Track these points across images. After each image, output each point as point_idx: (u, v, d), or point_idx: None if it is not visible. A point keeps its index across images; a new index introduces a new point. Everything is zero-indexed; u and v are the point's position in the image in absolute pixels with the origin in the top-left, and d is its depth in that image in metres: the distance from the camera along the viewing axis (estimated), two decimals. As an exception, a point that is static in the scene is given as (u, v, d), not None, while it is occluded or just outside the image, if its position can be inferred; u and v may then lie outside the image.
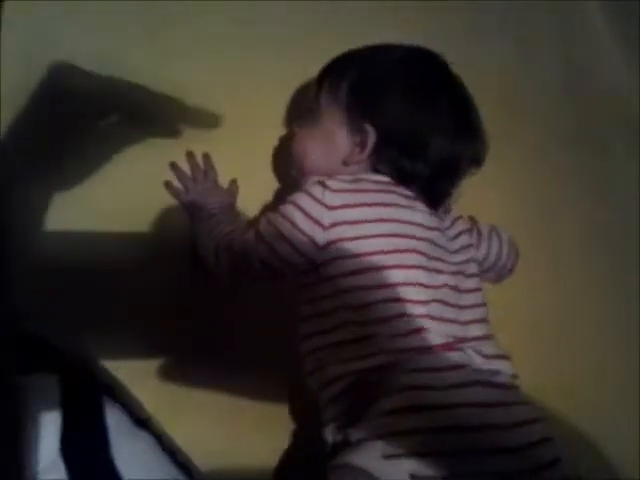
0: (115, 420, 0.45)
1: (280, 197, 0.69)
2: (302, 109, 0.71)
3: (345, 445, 0.50)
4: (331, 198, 0.54)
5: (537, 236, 0.80)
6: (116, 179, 0.63)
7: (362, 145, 0.57)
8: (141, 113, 0.65)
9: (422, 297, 0.53)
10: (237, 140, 0.69)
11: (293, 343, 0.60)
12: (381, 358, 0.51)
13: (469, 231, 0.63)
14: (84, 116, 0.63)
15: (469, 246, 0.61)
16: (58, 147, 0.62)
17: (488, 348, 0.55)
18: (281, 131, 0.72)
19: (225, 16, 0.72)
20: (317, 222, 0.54)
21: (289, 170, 0.65)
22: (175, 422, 0.56)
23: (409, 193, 0.57)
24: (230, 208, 0.66)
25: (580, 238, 0.82)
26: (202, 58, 0.69)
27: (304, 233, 0.54)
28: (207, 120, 0.68)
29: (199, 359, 0.62)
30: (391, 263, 0.53)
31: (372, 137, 0.57)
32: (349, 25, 0.75)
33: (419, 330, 0.52)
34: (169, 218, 0.65)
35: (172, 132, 0.66)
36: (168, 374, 0.60)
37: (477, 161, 0.60)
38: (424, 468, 0.46)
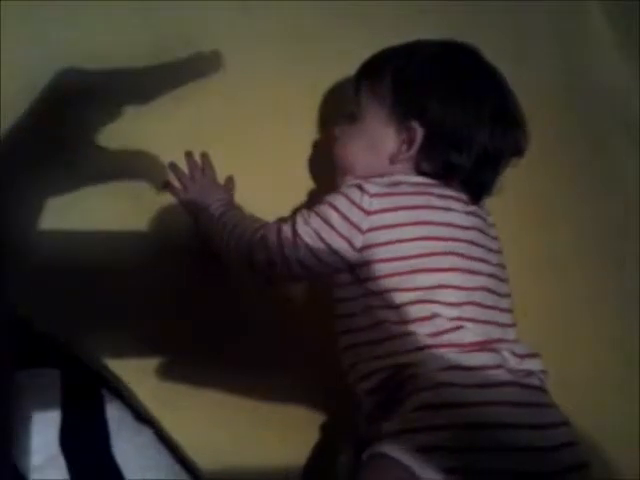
0: (116, 415, 0.45)
1: (288, 199, 0.69)
2: (307, 108, 0.71)
3: (377, 439, 0.50)
4: (369, 202, 0.54)
5: (536, 236, 0.80)
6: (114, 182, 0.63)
7: (410, 142, 0.58)
8: (142, 113, 0.65)
9: (455, 299, 0.53)
10: (239, 141, 0.69)
11: (293, 343, 0.60)
12: (413, 356, 0.52)
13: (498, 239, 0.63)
14: (84, 116, 0.63)
15: (500, 252, 0.62)
16: (57, 147, 0.62)
17: (522, 349, 0.55)
18: (287, 132, 0.72)
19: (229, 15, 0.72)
20: (355, 226, 0.54)
21: (294, 171, 0.65)
22: (174, 421, 0.56)
23: (446, 193, 0.57)
24: (233, 204, 0.66)
25: (579, 238, 0.83)
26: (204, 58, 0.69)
27: (342, 235, 0.54)
28: (209, 120, 0.68)
29: (198, 358, 0.62)
30: (427, 266, 0.54)
31: (420, 133, 0.57)
32: (351, 26, 0.75)
33: (451, 330, 0.52)
34: (169, 218, 0.65)
35: (173, 134, 0.66)
36: (167, 373, 0.60)
37: (519, 151, 0.61)
38: (456, 463, 0.47)
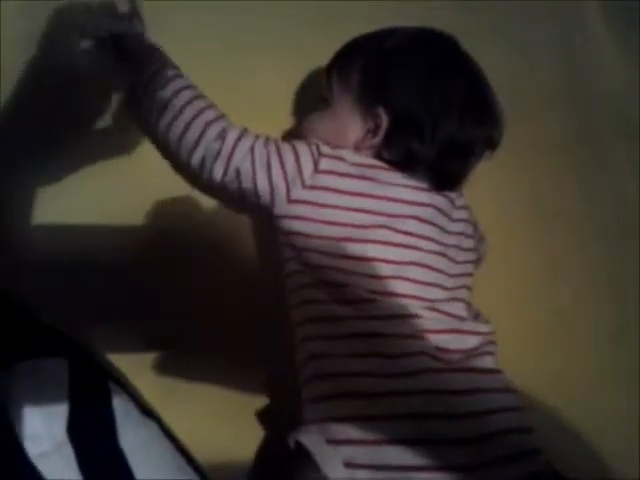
0: (122, 407, 0.46)
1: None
2: (303, 103, 0.71)
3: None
4: (321, 161, 0.55)
5: (536, 236, 0.81)
6: (114, 174, 0.63)
7: (375, 130, 0.58)
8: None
9: (378, 272, 0.53)
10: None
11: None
12: (329, 341, 0.52)
13: (470, 223, 0.64)
14: (83, 108, 0.63)
15: (468, 235, 0.62)
16: (56, 140, 0.62)
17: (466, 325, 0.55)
18: (280, 126, 0.72)
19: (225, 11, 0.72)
20: (300, 176, 0.55)
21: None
22: (172, 416, 0.56)
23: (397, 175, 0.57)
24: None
25: (579, 238, 0.83)
26: (200, 54, 0.69)
27: (285, 175, 0.54)
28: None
29: (198, 354, 0.62)
30: (352, 236, 0.54)
31: (385, 121, 0.57)
32: (349, 24, 0.75)
33: (375, 308, 0.52)
34: (169, 212, 0.65)
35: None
36: (165, 368, 0.61)
37: (491, 144, 0.60)
38: (362, 456, 0.46)
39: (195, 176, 0.57)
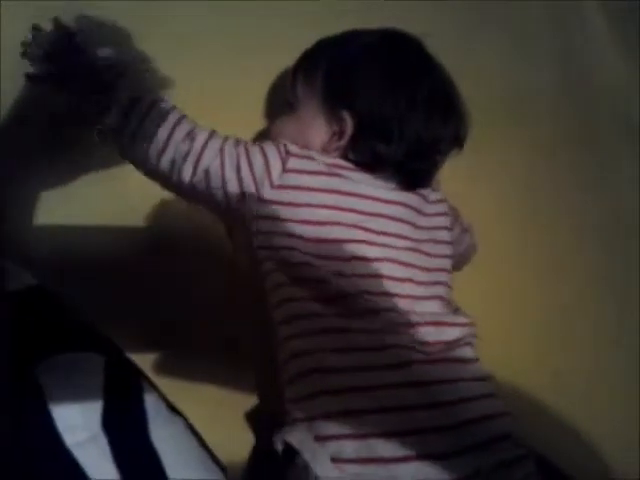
0: (152, 403, 0.47)
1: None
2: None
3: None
4: (289, 161, 0.55)
5: (536, 235, 0.81)
6: (115, 175, 0.63)
7: (340, 133, 0.58)
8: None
9: (361, 270, 0.53)
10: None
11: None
12: (310, 339, 0.52)
13: (448, 215, 0.64)
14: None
15: (444, 228, 0.62)
16: (59, 145, 0.62)
17: (438, 317, 0.55)
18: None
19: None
20: (269, 176, 0.55)
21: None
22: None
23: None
24: None
25: (579, 238, 0.83)
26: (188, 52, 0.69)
27: (254, 176, 0.54)
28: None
29: (197, 355, 0.63)
30: (327, 237, 0.54)
31: (349, 124, 0.57)
32: (345, 23, 0.75)
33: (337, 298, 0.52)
34: (169, 213, 0.65)
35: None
36: (165, 369, 0.61)
37: (458, 142, 0.61)
38: (349, 450, 0.46)
39: (165, 179, 0.56)
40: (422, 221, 0.59)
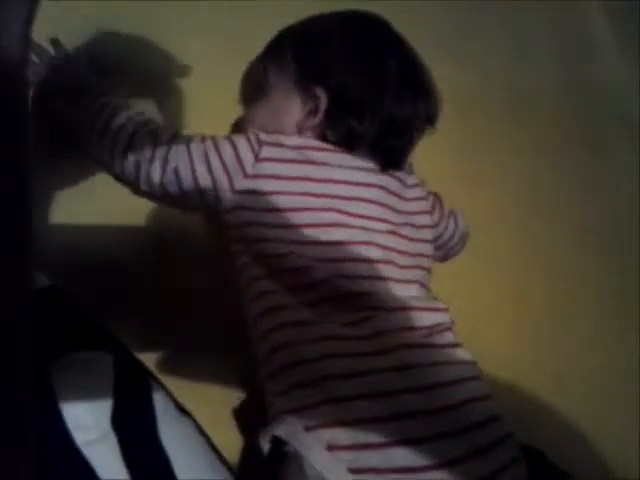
0: (161, 403, 0.47)
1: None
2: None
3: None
4: (260, 150, 0.54)
5: (536, 235, 0.81)
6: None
7: (315, 110, 0.57)
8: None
9: (339, 254, 0.53)
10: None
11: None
12: (290, 331, 0.51)
13: (427, 199, 0.63)
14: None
15: (423, 212, 0.61)
16: (60, 145, 0.62)
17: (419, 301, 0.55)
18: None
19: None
20: (242, 166, 0.54)
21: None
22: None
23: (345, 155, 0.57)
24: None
25: (579, 237, 0.83)
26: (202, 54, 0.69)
27: (226, 168, 0.54)
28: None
29: (198, 355, 0.63)
30: (303, 222, 0.53)
31: (324, 101, 0.57)
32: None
33: (324, 295, 0.51)
34: (169, 212, 0.65)
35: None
36: (166, 368, 0.61)
37: (430, 119, 0.61)
38: (342, 437, 0.46)
39: (132, 183, 0.56)
40: (402, 205, 0.59)
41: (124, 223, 0.63)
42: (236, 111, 0.70)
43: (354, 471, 0.45)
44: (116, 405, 0.44)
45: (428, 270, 0.59)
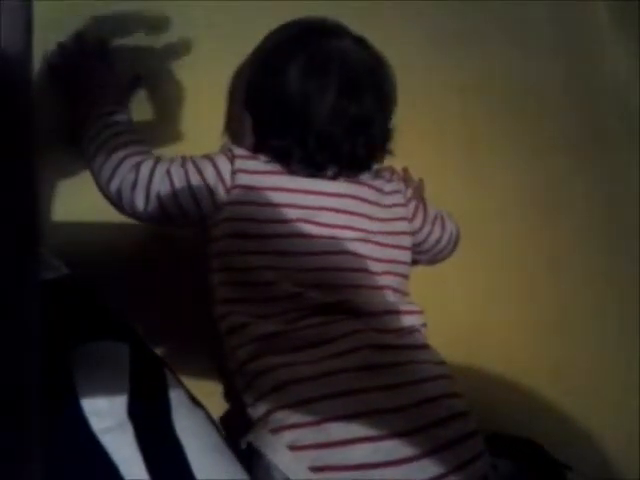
0: (175, 393, 0.48)
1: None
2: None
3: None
4: (235, 162, 0.56)
5: (537, 234, 0.81)
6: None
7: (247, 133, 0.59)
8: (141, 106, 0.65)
9: (295, 264, 0.54)
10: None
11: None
12: (257, 345, 0.52)
13: (406, 206, 0.63)
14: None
15: (401, 219, 0.61)
16: (58, 142, 0.62)
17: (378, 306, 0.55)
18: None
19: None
20: (222, 181, 0.55)
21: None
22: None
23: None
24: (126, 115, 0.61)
25: (581, 236, 0.83)
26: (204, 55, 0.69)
27: (208, 185, 0.55)
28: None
29: (198, 354, 0.63)
30: (274, 232, 0.54)
31: (248, 122, 0.59)
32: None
33: (286, 298, 0.53)
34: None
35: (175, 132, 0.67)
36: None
37: (365, 119, 0.58)
38: (305, 437, 0.47)
39: (116, 206, 0.57)
40: (378, 212, 0.59)
41: (124, 222, 0.63)
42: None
43: (315, 469, 0.46)
44: (132, 394, 0.44)
45: (403, 276, 0.60)
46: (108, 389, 0.44)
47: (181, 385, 0.50)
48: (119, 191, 0.55)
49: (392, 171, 0.64)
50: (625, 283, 0.83)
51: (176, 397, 0.48)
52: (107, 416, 0.42)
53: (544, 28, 0.91)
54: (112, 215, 0.62)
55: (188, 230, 0.65)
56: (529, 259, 0.79)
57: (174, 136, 0.66)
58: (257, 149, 0.58)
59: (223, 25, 0.71)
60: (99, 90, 0.59)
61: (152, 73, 0.66)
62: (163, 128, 0.65)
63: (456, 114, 0.78)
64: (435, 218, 0.67)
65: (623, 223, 0.85)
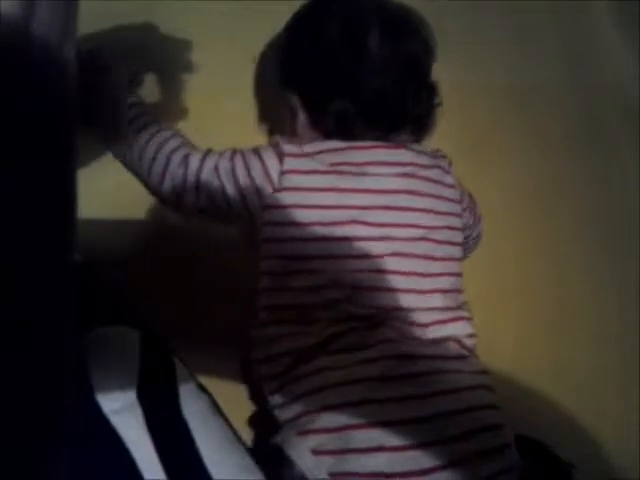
0: (183, 378, 0.50)
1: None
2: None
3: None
4: (284, 161, 0.55)
5: (538, 233, 0.82)
6: (116, 169, 0.63)
7: (297, 112, 0.59)
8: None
9: (350, 267, 0.54)
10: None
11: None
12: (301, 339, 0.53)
13: (460, 203, 0.63)
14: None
15: (457, 214, 0.61)
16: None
17: (438, 315, 0.55)
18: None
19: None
20: (270, 180, 0.55)
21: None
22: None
23: (364, 157, 0.56)
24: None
25: (581, 234, 0.84)
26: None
27: (253, 182, 0.55)
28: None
29: (198, 354, 0.63)
30: (325, 235, 0.54)
31: (297, 102, 0.58)
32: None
33: (334, 303, 0.53)
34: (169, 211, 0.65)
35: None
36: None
37: (420, 57, 0.59)
38: (328, 443, 0.48)
39: (170, 204, 0.59)
40: (438, 206, 0.58)
41: (129, 215, 0.64)
42: (253, 115, 0.70)
43: (334, 475, 0.47)
44: (141, 378, 0.46)
45: (457, 274, 0.59)
46: (119, 372, 0.46)
47: (187, 371, 0.52)
48: (173, 189, 0.57)
49: (450, 162, 0.63)
50: (625, 283, 0.83)
51: (183, 382, 0.50)
52: (117, 398, 0.44)
53: (544, 28, 0.91)
54: (114, 211, 0.63)
55: (202, 224, 0.65)
56: (530, 255, 0.79)
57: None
58: (314, 124, 0.57)
59: (223, 25, 0.72)
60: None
61: (152, 73, 0.67)
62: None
63: (456, 113, 0.78)
64: (479, 218, 0.68)
65: (623, 223, 0.85)
